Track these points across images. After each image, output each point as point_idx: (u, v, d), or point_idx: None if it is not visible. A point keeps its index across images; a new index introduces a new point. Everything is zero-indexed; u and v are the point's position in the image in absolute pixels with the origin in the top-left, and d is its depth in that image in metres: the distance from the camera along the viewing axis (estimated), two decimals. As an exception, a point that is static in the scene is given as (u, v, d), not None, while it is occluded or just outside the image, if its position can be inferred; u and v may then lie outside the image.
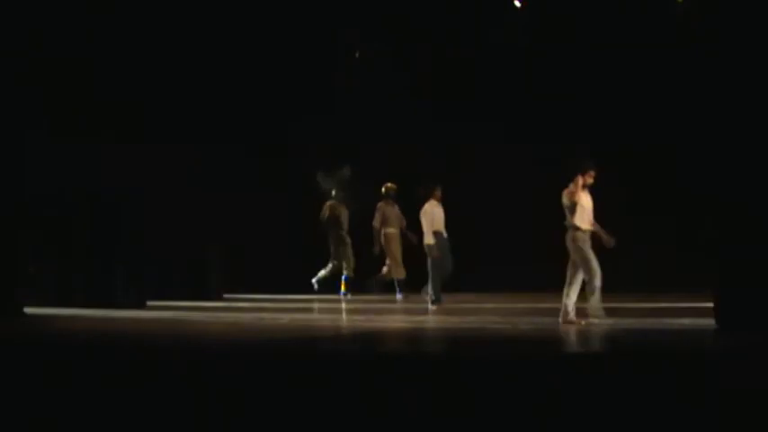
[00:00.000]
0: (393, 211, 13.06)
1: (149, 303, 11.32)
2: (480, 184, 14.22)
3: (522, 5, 13.14)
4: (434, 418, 3.83)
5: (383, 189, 13.14)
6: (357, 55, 14.39)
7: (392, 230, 13.06)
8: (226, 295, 13.47)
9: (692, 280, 10.61)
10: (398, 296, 12.74)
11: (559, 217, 9.13)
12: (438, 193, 11.27)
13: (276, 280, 14.41)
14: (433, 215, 11.08)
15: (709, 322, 7.29)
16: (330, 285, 13.82)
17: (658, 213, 13.30)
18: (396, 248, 13.00)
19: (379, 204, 13.07)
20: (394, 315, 9.96)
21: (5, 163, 10.02)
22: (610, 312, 9.48)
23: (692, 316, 8.47)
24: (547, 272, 13.28)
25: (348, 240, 14.07)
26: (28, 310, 10.07)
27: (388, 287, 13.16)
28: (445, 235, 11.22)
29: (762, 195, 6.96)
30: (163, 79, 12.13)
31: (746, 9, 7.13)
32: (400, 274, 12.92)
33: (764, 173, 6.94)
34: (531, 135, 13.83)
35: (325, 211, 14.14)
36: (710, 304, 7.38)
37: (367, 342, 7.04)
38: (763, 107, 6.97)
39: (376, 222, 12.96)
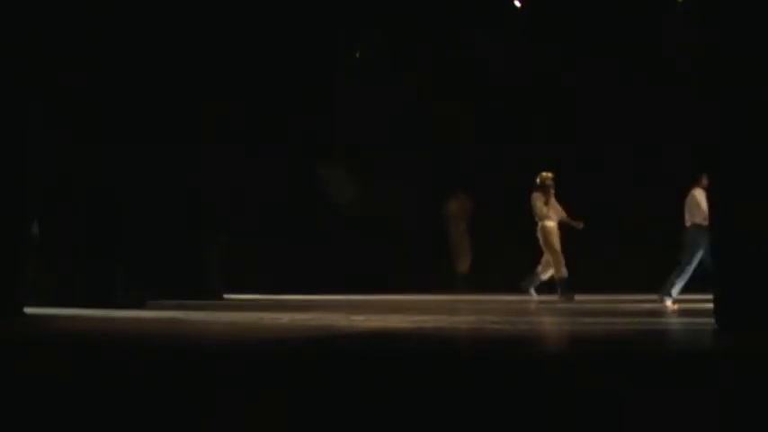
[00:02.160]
0: (551, 203, 12.27)
1: (149, 303, 11.32)
2: (480, 183, 14.24)
3: (522, 5, 13.16)
4: (434, 419, 3.83)
5: (537, 179, 12.35)
6: (357, 55, 14.41)
7: (550, 224, 12.27)
8: (226, 295, 13.48)
9: (692, 280, 10.65)
10: (559, 296, 11.93)
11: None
12: (705, 181, 10.01)
13: (276, 280, 14.44)
14: (704, 203, 9.86)
15: (710, 322, 7.29)
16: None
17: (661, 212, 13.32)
18: (556, 242, 12.16)
19: (534, 195, 12.29)
20: (394, 315, 9.94)
21: (5, 162, 10.02)
22: (608, 313, 9.49)
23: (692, 316, 8.47)
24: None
25: (467, 238, 13.67)
26: (28, 310, 10.07)
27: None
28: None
29: (762, 194, 6.95)
30: (164, 78, 12.13)
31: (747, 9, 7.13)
32: (561, 272, 12.01)
33: (764, 172, 6.93)
34: (530, 134, 13.87)
35: (453, 205, 13.80)
36: (710, 304, 7.38)
37: (366, 342, 7.04)
38: (762, 107, 6.97)
39: (537, 213, 12.21)
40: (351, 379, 4.97)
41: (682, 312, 9.19)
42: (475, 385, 4.66)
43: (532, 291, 12.66)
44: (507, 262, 13.62)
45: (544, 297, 12.33)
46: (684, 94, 11.69)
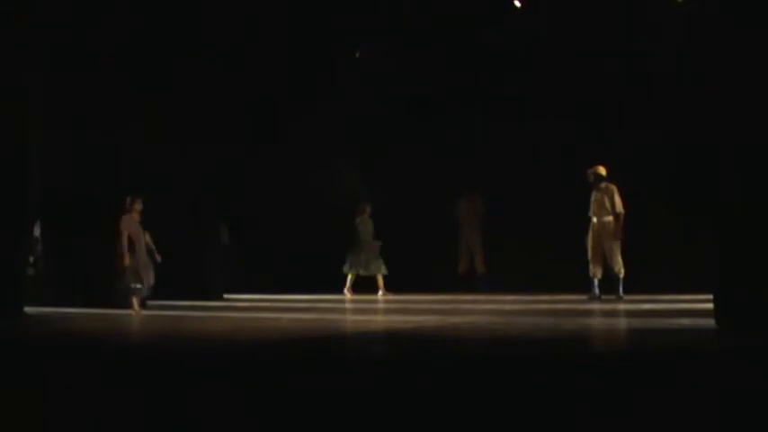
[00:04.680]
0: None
1: (150, 303, 11.32)
2: (482, 182, 14.23)
3: (522, 5, 13.14)
4: (432, 420, 3.83)
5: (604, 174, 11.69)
6: (357, 55, 14.40)
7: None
8: (226, 295, 13.48)
9: (692, 280, 10.64)
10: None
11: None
12: None
13: (276, 280, 14.42)
14: None
15: (709, 322, 7.29)
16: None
17: (660, 213, 13.30)
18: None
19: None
20: (394, 315, 9.95)
21: (6, 163, 10.02)
22: (607, 313, 9.47)
23: (691, 316, 8.47)
24: (550, 271, 13.36)
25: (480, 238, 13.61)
26: (28, 310, 10.07)
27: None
28: None
29: (762, 195, 6.95)
30: (164, 78, 12.13)
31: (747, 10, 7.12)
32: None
33: (764, 172, 6.93)
34: (530, 134, 13.85)
35: (463, 206, 13.73)
36: (710, 305, 7.38)
37: (366, 343, 7.05)
38: (762, 108, 6.96)
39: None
40: (349, 379, 4.97)
41: (682, 312, 9.18)
42: (474, 385, 4.66)
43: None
44: (517, 262, 13.56)
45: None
46: (685, 95, 11.66)
